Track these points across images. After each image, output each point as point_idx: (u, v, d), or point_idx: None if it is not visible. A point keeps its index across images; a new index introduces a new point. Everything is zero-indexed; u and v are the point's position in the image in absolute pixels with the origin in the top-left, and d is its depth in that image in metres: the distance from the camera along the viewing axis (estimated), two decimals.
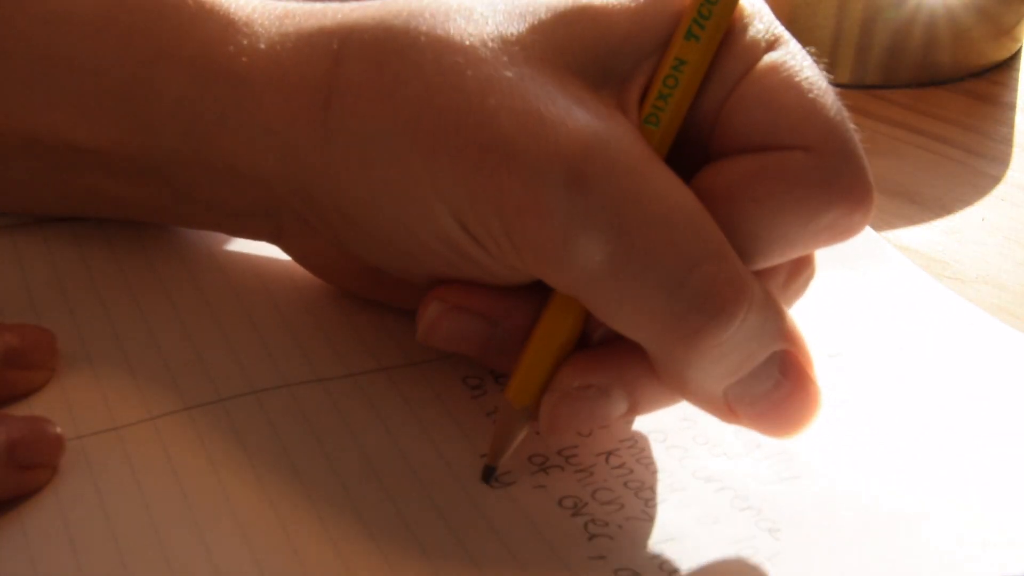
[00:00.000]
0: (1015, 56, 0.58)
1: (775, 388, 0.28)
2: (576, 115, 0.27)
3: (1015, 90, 0.55)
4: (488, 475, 0.30)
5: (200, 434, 0.31)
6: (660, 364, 0.28)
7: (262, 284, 0.37)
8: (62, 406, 0.31)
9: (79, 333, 0.34)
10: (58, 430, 0.29)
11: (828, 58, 0.53)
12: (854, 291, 0.38)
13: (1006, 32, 0.56)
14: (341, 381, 0.33)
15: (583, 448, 0.31)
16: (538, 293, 0.30)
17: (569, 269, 0.27)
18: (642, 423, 0.32)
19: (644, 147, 0.28)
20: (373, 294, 0.35)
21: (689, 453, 0.31)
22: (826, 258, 0.39)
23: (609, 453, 0.31)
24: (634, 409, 0.30)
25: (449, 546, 0.28)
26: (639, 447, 0.31)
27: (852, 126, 0.29)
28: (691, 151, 0.29)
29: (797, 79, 0.29)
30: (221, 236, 0.38)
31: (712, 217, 0.27)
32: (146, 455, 0.30)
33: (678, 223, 0.27)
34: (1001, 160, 0.49)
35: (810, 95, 0.28)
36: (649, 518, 0.29)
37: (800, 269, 0.30)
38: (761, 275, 0.29)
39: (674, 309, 0.27)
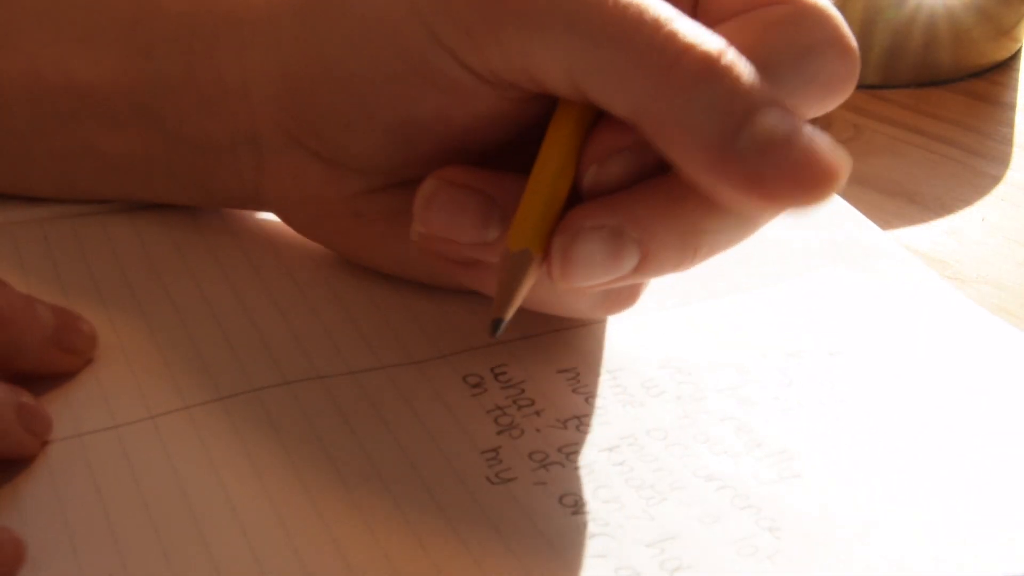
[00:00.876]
0: (1015, 56, 0.58)
1: (793, 132, 0.26)
2: None
3: (1015, 90, 0.55)
4: (496, 327, 0.28)
5: (199, 432, 0.31)
6: (651, 123, 0.27)
7: (261, 282, 0.37)
8: (63, 405, 0.31)
9: None
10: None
11: None
12: (855, 288, 0.38)
13: (1006, 32, 0.56)
14: (341, 378, 0.33)
15: (583, 445, 0.31)
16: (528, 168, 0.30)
17: (548, 40, 0.27)
18: (642, 421, 0.32)
19: None
20: (358, 252, 0.36)
21: (689, 451, 0.31)
22: (828, 255, 0.39)
23: (610, 450, 0.31)
24: (645, 261, 0.28)
25: (450, 543, 0.28)
26: (639, 445, 0.31)
27: None
28: None
29: None
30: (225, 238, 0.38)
31: None
32: (146, 454, 0.30)
33: None
34: (1001, 160, 0.49)
35: None
36: (650, 517, 0.29)
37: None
38: None
39: (652, 47, 0.26)
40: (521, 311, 0.29)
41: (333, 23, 0.31)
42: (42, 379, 0.32)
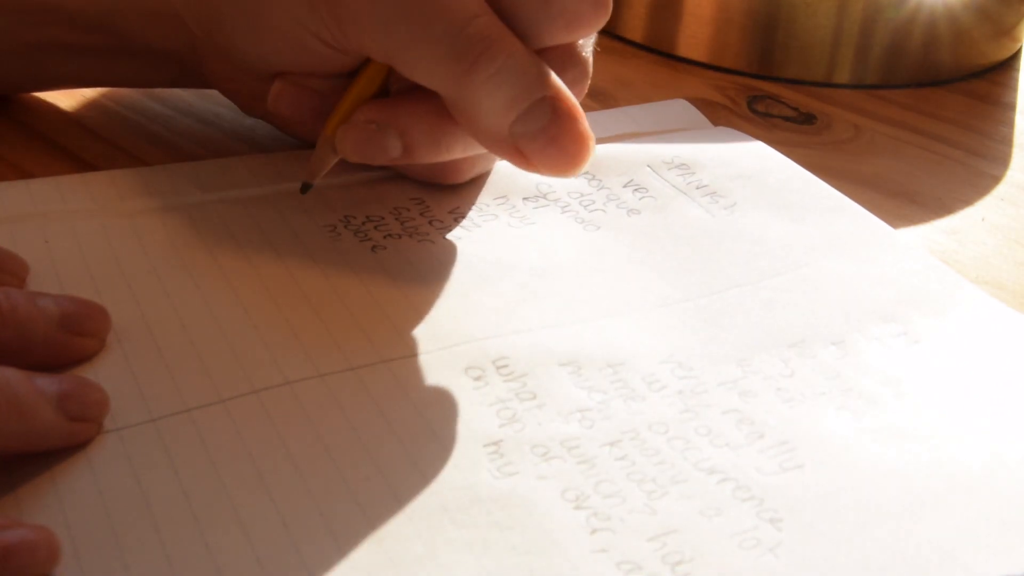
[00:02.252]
0: (1015, 56, 0.58)
1: (550, 124, 0.35)
2: None
3: (1015, 90, 0.55)
4: (305, 189, 0.39)
5: (200, 433, 0.31)
6: (452, 104, 0.36)
7: (259, 280, 0.36)
8: None
9: None
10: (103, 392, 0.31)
11: (828, 58, 0.54)
12: (856, 278, 0.38)
13: (1006, 32, 0.56)
14: (342, 375, 0.33)
15: (585, 439, 0.31)
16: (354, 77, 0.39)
17: (379, 35, 0.36)
18: (644, 415, 0.32)
19: None
20: (284, 127, 0.44)
21: (691, 444, 0.31)
22: (829, 245, 0.40)
23: (612, 444, 0.31)
24: (408, 151, 0.38)
25: (451, 537, 0.28)
26: (641, 439, 0.31)
27: None
28: None
29: None
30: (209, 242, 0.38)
31: None
32: (148, 457, 0.30)
33: None
34: (1001, 160, 0.49)
35: None
36: (651, 511, 0.29)
37: (568, 64, 0.38)
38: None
39: (454, 52, 0.35)
40: None
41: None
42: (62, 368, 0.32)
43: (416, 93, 0.37)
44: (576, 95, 0.37)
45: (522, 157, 0.35)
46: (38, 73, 0.44)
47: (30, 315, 0.32)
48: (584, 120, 0.35)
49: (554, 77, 0.35)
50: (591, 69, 0.39)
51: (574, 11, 0.36)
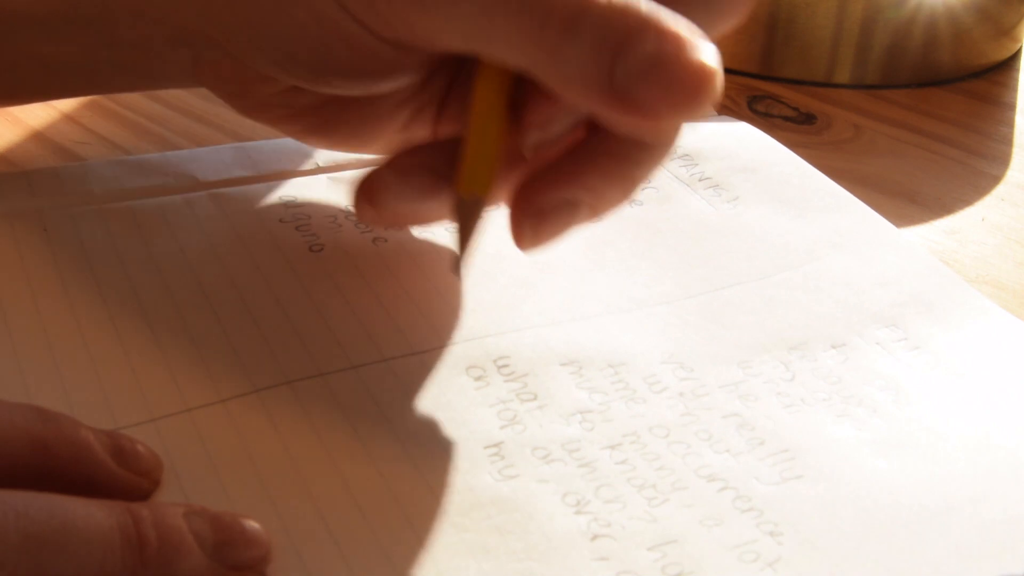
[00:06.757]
0: (1015, 56, 0.58)
1: (657, 55, 0.28)
2: None
3: (1015, 90, 0.55)
4: (456, 265, 0.33)
5: (201, 434, 0.31)
6: (542, 68, 0.30)
7: (262, 277, 0.36)
8: (64, 408, 0.31)
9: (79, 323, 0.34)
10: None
11: (828, 58, 0.54)
12: (859, 278, 0.38)
13: (1006, 32, 0.56)
14: (343, 374, 0.33)
15: (585, 441, 0.31)
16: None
17: (440, 11, 0.30)
18: (645, 418, 0.32)
19: None
20: (297, 135, 0.37)
21: (691, 449, 0.31)
22: (832, 243, 0.39)
23: (612, 447, 0.31)
24: (593, 215, 0.33)
25: (451, 541, 0.28)
26: (642, 442, 0.31)
27: None
28: None
29: None
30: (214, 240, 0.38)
31: None
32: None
33: None
34: (1001, 160, 0.49)
35: None
36: (652, 518, 0.29)
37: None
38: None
39: (523, 16, 0.29)
40: None
41: None
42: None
43: (592, 143, 0.32)
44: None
45: (635, 107, 0.29)
46: (19, 90, 0.39)
47: (181, 546, 0.26)
48: (700, 47, 0.28)
49: (653, 6, 0.29)
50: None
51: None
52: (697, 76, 0.28)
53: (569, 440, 0.31)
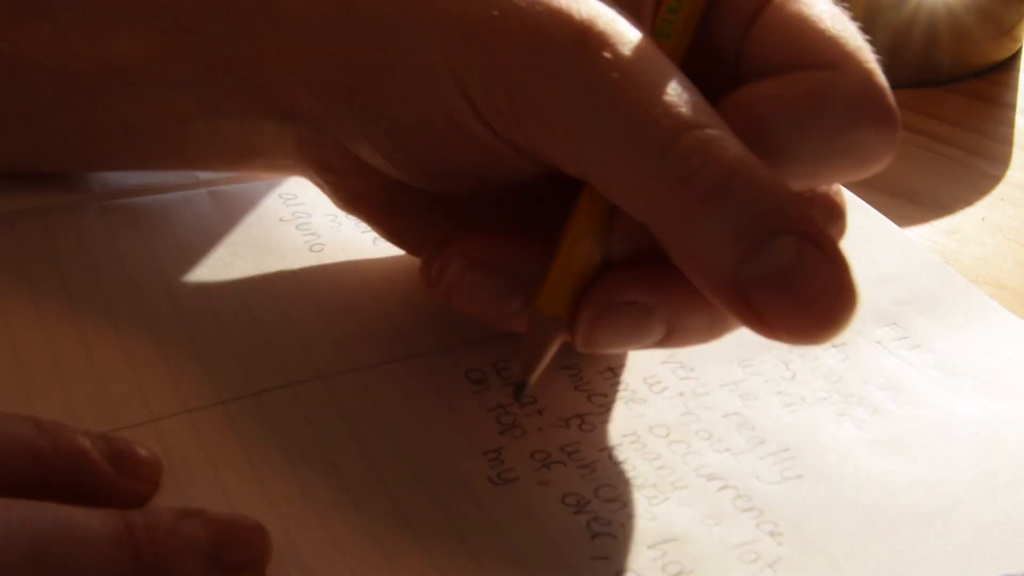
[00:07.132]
0: (1015, 56, 0.58)
1: (793, 267, 0.25)
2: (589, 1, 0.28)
3: (1015, 90, 0.55)
4: (520, 390, 0.30)
5: (200, 435, 0.31)
6: (663, 237, 0.27)
7: (264, 277, 0.36)
8: (64, 408, 0.31)
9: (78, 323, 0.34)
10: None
11: None
12: (860, 277, 0.38)
13: (1006, 32, 0.56)
14: (342, 376, 0.33)
15: (585, 443, 0.31)
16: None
17: (569, 136, 0.27)
18: (645, 418, 0.32)
19: (651, 39, 0.28)
20: (389, 237, 0.35)
21: (692, 449, 0.31)
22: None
23: (612, 448, 0.31)
24: (670, 336, 0.29)
25: (451, 542, 0.28)
26: (642, 443, 0.31)
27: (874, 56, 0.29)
28: (717, 83, 0.29)
29: (819, 7, 0.29)
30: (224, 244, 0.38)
31: (737, 134, 0.27)
32: None
33: (670, 91, 0.26)
34: (1001, 160, 0.49)
35: (833, 20, 0.29)
36: (652, 517, 0.29)
37: (829, 213, 0.30)
38: None
39: (661, 166, 0.26)
40: None
41: (372, 43, 0.30)
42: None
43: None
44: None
45: (753, 314, 0.26)
46: (100, 160, 0.38)
47: (175, 550, 0.26)
48: (847, 269, 0.26)
49: (805, 208, 0.26)
50: (847, 215, 0.31)
51: (868, 146, 0.28)
52: (832, 301, 0.25)
53: (568, 442, 0.31)
